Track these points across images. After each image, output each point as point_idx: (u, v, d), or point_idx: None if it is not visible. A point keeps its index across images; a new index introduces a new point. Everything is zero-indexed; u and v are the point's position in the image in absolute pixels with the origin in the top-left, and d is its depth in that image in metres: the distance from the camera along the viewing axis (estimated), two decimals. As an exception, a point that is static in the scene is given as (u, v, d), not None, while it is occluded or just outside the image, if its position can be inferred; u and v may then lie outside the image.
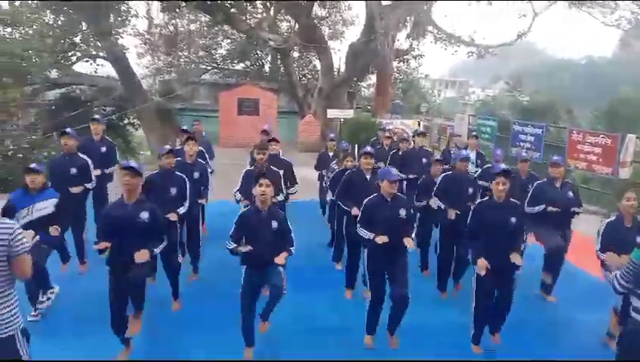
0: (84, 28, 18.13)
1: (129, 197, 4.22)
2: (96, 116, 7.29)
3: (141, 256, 4.08)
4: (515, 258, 4.49)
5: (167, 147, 5.77)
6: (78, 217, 6.14)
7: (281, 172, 6.21)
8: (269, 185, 4.33)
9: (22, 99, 15.68)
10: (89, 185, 6.17)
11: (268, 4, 22.97)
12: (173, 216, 5.24)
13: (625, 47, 38.21)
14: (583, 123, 29.53)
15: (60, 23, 17.99)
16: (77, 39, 18.81)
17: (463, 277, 6.12)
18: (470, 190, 5.95)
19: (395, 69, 25.20)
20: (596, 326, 5.18)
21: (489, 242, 4.59)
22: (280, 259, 4.22)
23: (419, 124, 18.15)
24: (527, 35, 21.27)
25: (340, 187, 6.00)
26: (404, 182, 7.65)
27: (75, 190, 5.85)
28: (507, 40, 22.04)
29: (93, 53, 19.23)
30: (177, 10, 20.16)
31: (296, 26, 22.90)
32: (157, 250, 4.31)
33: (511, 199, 4.71)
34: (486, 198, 4.87)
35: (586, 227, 7.02)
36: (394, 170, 4.69)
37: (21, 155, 14.55)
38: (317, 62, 24.74)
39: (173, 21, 24.03)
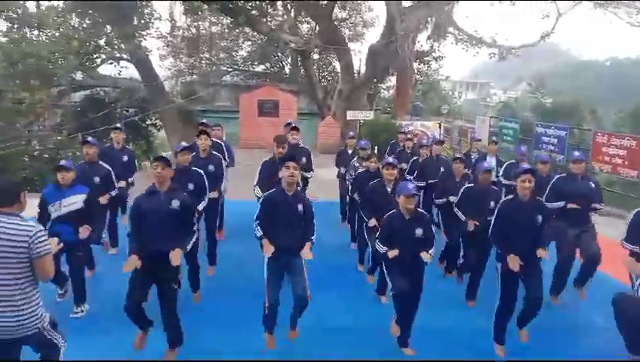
0: (108, 31, 18.46)
1: (161, 185, 4.29)
2: (118, 125, 7.42)
3: (176, 257, 4.07)
4: (541, 253, 4.47)
5: (184, 144, 5.86)
6: (98, 223, 6.17)
7: (303, 159, 6.34)
8: (297, 167, 4.38)
9: (48, 100, 16.05)
10: (113, 193, 6.27)
11: (288, 6, 23.10)
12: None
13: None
14: (608, 124, 29.02)
15: (85, 25, 18.34)
16: (101, 42, 19.15)
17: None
18: (492, 203, 5.74)
19: (416, 71, 25.08)
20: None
21: (514, 241, 4.54)
22: (307, 254, 4.26)
23: (439, 126, 18.03)
24: (550, 36, 20.96)
25: (362, 198, 6.03)
26: (422, 191, 7.59)
27: (102, 200, 5.93)
28: (530, 41, 21.77)
29: (117, 55, 19.57)
30: (199, 12, 20.37)
31: (317, 27, 22.98)
32: (189, 246, 4.34)
33: (536, 198, 4.68)
34: (510, 197, 4.82)
35: (610, 230, 6.91)
36: (410, 185, 4.62)
37: (47, 156, 14.91)
38: (337, 64, 24.76)
39: (196, 23, 24.31)
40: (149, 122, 22.70)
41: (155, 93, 19.60)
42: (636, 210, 4.53)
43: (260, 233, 4.35)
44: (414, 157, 8.21)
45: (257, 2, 20.89)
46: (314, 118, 22.13)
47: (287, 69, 28.86)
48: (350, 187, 7.15)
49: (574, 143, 13.48)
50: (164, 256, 4.07)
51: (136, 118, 20.38)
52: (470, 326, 5.30)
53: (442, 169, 7.46)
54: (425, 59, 25.34)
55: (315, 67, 25.06)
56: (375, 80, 24.04)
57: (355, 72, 21.98)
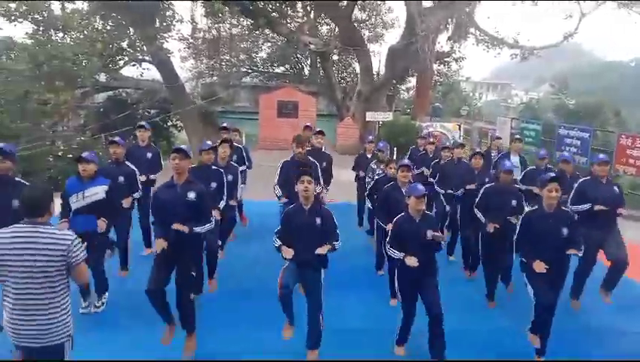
0: (131, 33, 18.75)
1: (178, 178, 4.40)
2: (143, 123, 7.50)
3: (180, 226, 4.20)
4: (572, 250, 4.40)
5: (209, 143, 5.91)
6: (123, 223, 6.24)
7: (324, 164, 6.38)
8: (311, 181, 4.38)
9: (72, 101, 16.38)
10: (136, 195, 6.26)
11: (308, 7, 23.16)
12: (216, 215, 5.34)
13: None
14: (632, 126, 28.43)
15: (108, 28, 18.67)
16: (124, 44, 19.49)
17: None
18: (513, 202, 5.73)
19: (435, 72, 24.93)
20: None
21: (539, 253, 4.40)
22: (322, 249, 4.27)
23: (459, 128, 17.90)
24: (573, 36, 20.63)
25: (378, 203, 5.99)
26: (442, 196, 7.51)
27: (125, 203, 5.97)
28: (553, 41, 21.45)
29: (140, 57, 19.88)
30: (220, 14, 20.56)
31: (337, 29, 23.00)
32: (199, 229, 4.39)
33: (562, 208, 4.52)
34: (535, 208, 4.65)
35: (635, 234, 6.78)
36: (420, 186, 4.59)
37: (71, 156, 15.16)
38: (356, 65, 24.76)
39: (216, 25, 24.53)
40: (169, 123, 23.00)
41: (176, 94, 19.85)
42: None
43: (278, 243, 4.38)
44: (436, 160, 8.10)
45: (277, 4, 21.01)
46: (333, 119, 22.18)
47: (306, 71, 28.98)
48: (368, 192, 7.14)
49: (598, 145, 13.25)
50: (182, 245, 4.26)
51: (157, 118, 20.66)
52: (489, 327, 5.27)
53: (464, 173, 7.37)
54: (445, 60, 25.17)
55: (334, 68, 25.08)
56: (394, 81, 23.98)
57: (374, 73, 21.95)
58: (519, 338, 4.83)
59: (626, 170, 10.44)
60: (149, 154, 7.03)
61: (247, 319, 5.20)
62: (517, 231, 4.65)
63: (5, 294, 3.04)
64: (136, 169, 6.28)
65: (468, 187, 6.37)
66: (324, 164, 6.71)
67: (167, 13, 18.73)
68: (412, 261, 4.32)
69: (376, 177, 6.88)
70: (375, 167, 7.18)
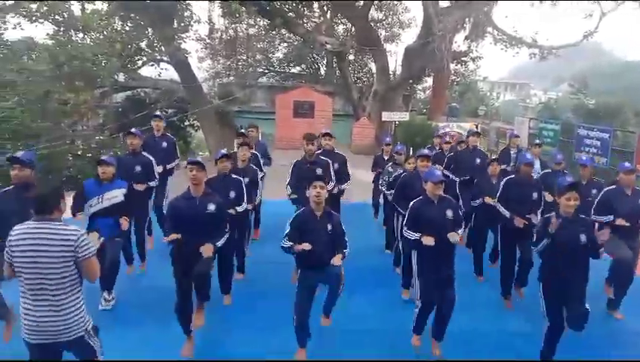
0: (149, 33, 18.95)
1: (196, 190, 4.45)
2: (158, 113, 7.61)
3: (207, 250, 4.26)
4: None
5: (223, 152, 5.85)
6: (141, 215, 6.32)
7: (336, 165, 6.35)
8: (324, 186, 4.37)
9: (92, 101, 16.62)
10: (152, 183, 6.38)
11: (325, 7, 23.18)
12: (231, 211, 5.38)
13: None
14: (654, 127, 27.85)
15: (127, 29, 18.89)
16: (143, 44, 19.70)
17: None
18: (534, 195, 5.68)
19: (452, 72, 24.76)
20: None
21: (557, 260, 4.28)
22: (337, 260, 4.25)
23: (476, 128, 17.75)
24: (593, 36, 20.30)
25: (395, 191, 5.99)
26: (457, 184, 7.50)
27: (138, 187, 6.05)
28: (572, 40, 21.12)
29: (158, 57, 20.08)
30: (237, 15, 20.69)
31: (353, 29, 22.96)
32: (220, 243, 4.47)
33: (580, 215, 4.39)
34: (552, 214, 4.44)
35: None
36: (437, 171, 4.64)
37: (90, 154, 15.41)
38: (372, 65, 24.69)
39: (233, 26, 24.68)
40: (187, 123, 23.19)
41: (194, 94, 20.01)
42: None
43: (288, 244, 4.30)
44: (451, 154, 8.10)
45: (294, 4, 21.06)
46: (349, 119, 22.16)
47: (322, 71, 29.00)
48: (383, 191, 7.13)
49: (618, 146, 13.02)
50: (198, 256, 4.28)
51: (174, 118, 20.86)
52: (504, 328, 5.23)
53: (479, 160, 7.30)
54: (462, 59, 24.97)
55: (350, 68, 25.06)
56: (411, 81, 23.86)
57: (390, 73, 21.87)
58: (530, 340, 4.80)
59: (647, 171, 10.25)
60: (165, 144, 7.13)
61: (262, 320, 5.23)
62: (535, 235, 4.51)
63: (21, 291, 3.11)
64: (153, 159, 6.37)
65: (487, 200, 6.28)
66: (337, 165, 6.67)
67: (185, 14, 18.90)
68: (429, 240, 4.33)
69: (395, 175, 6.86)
70: (392, 170, 7.10)
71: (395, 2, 25.91)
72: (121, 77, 19.50)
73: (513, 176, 5.93)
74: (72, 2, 17.71)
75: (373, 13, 24.58)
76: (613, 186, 5.67)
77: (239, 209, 5.61)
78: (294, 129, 19.33)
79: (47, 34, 16.86)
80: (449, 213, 4.50)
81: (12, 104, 14.25)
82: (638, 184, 6.15)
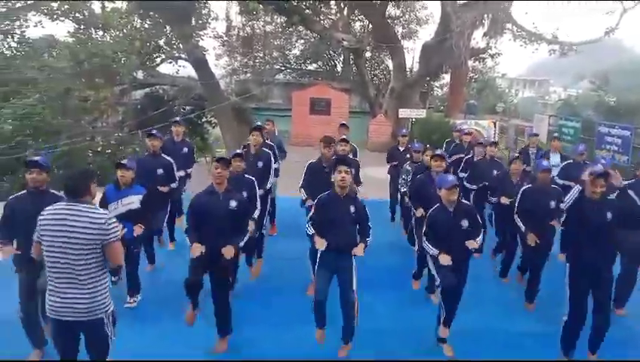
0: (168, 31, 19.11)
1: (219, 186, 4.50)
2: (178, 118, 7.67)
3: (228, 252, 4.27)
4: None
5: (237, 151, 5.89)
6: (160, 214, 6.44)
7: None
8: (348, 171, 4.42)
9: (112, 98, 16.83)
10: (174, 185, 6.44)
11: (342, 4, 23.11)
12: (251, 226, 5.29)
13: None
14: (677, 125, 27.21)
15: (146, 26, 19.08)
16: (161, 42, 19.87)
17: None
18: (552, 203, 5.60)
19: (470, 68, 24.50)
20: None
21: (584, 238, 4.39)
22: (359, 251, 4.29)
23: (494, 125, 17.56)
24: (614, 32, 19.91)
25: (411, 192, 5.98)
26: (472, 194, 7.43)
27: (163, 189, 6.16)
28: (592, 37, 20.73)
29: (176, 55, 20.24)
30: (254, 12, 20.75)
31: (370, 25, 22.86)
32: (241, 244, 4.51)
33: (607, 197, 4.50)
34: (578, 196, 4.61)
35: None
36: (450, 177, 4.57)
37: (109, 151, 15.63)
38: (389, 62, 24.55)
39: (250, 23, 24.76)
40: (204, 120, 23.34)
41: (211, 91, 20.12)
42: None
43: (311, 231, 4.45)
44: (468, 156, 8.01)
45: (311, 2, 21.03)
46: (365, 117, 22.09)
47: (339, 68, 28.95)
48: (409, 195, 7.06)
49: (639, 144, 12.77)
50: (219, 252, 4.28)
51: (192, 115, 21.01)
52: (522, 330, 5.18)
53: (495, 172, 7.21)
54: (480, 56, 24.70)
55: (367, 65, 24.96)
56: (428, 78, 23.68)
57: (407, 69, 21.73)
58: (541, 341, 4.80)
59: (669, 170, 10.04)
60: (185, 149, 7.20)
61: (277, 315, 5.27)
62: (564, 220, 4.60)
63: (48, 269, 3.19)
64: (172, 161, 6.42)
65: (503, 201, 6.23)
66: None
67: (203, 12, 19.01)
68: (445, 259, 4.30)
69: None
70: (410, 168, 7.06)
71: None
72: (139, 74, 19.71)
73: (530, 185, 5.87)
74: (92, 0, 17.98)
75: (391, 9, 24.44)
76: (633, 180, 5.62)
77: (255, 215, 5.49)
78: (311, 126, 19.37)
79: (68, 32, 17.12)
80: (464, 224, 4.45)
81: (33, 101, 14.51)
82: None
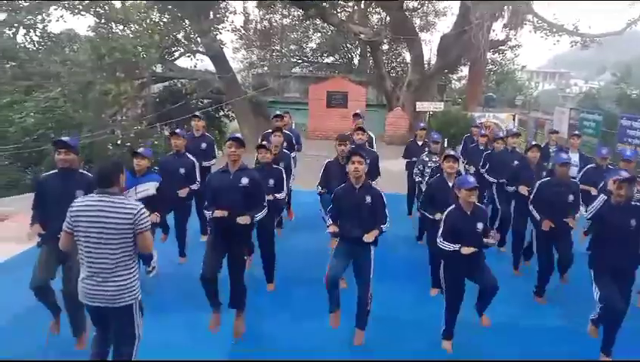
0: (186, 25, 19.25)
1: (233, 165, 4.59)
2: (198, 113, 7.70)
3: (244, 219, 4.40)
4: None
5: (263, 143, 5.94)
6: (182, 214, 6.48)
7: (367, 161, 6.30)
8: (361, 161, 4.45)
9: (132, 91, 17.04)
10: (194, 187, 6.34)
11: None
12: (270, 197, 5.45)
13: None
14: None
15: (165, 21, 19.25)
16: (180, 36, 20.03)
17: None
18: (571, 197, 5.50)
19: (489, 61, 24.22)
20: None
21: (607, 245, 4.37)
22: (369, 237, 4.32)
23: (513, 118, 17.36)
24: (637, 24, 19.49)
25: (423, 198, 5.87)
26: (494, 186, 7.28)
27: (182, 193, 6.14)
28: (615, 28, 20.32)
29: (194, 48, 20.39)
30: (272, 6, 20.79)
31: (387, 18, 22.72)
32: (258, 216, 4.58)
33: (632, 203, 4.42)
34: (603, 200, 4.48)
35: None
36: (471, 178, 4.51)
37: (129, 144, 15.87)
38: (406, 55, 24.41)
39: (268, 16, 24.79)
40: (221, 113, 23.52)
41: (229, 84, 20.27)
42: None
43: (329, 222, 4.53)
44: (488, 150, 7.89)
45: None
46: (382, 110, 22.02)
47: (356, 61, 28.86)
48: (418, 178, 7.06)
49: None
50: (235, 229, 4.42)
51: (210, 108, 21.19)
52: (538, 324, 5.17)
53: (517, 163, 6.99)
54: (500, 48, 24.39)
55: (384, 58, 24.83)
56: (446, 70, 23.48)
57: (425, 62, 21.57)
58: (569, 337, 4.77)
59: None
60: (204, 145, 7.19)
61: (293, 307, 5.33)
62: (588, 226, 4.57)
63: (80, 258, 3.34)
64: (195, 161, 6.40)
65: (521, 189, 6.15)
66: (368, 161, 6.64)
67: (221, 5, 19.11)
68: (468, 250, 4.26)
69: (428, 170, 6.77)
70: (427, 159, 6.96)
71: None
72: (158, 68, 19.91)
73: (548, 178, 5.78)
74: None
75: (408, 1, 24.25)
76: None
77: (279, 196, 5.72)
78: (328, 119, 19.39)
79: (89, 26, 17.36)
80: (479, 226, 4.41)
81: (55, 94, 14.79)
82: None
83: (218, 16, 18.99)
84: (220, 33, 19.50)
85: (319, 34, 28.29)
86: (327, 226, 4.53)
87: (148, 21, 17.89)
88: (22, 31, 17.64)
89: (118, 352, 3.48)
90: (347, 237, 4.45)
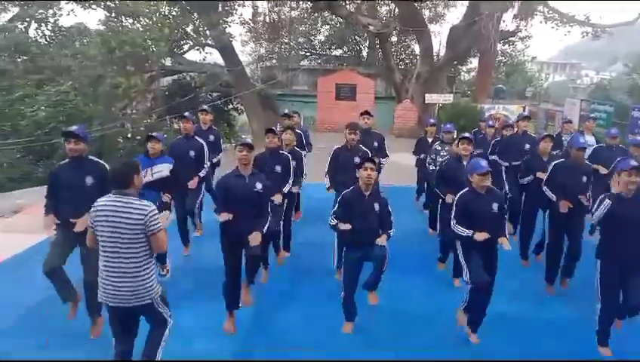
0: (195, 18, 19.27)
1: (244, 169, 4.62)
2: (205, 107, 7.75)
3: (255, 239, 4.40)
4: None
5: (274, 128, 6.04)
6: (192, 200, 6.46)
7: (375, 144, 6.42)
8: (374, 168, 4.47)
9: (142, 85, 17.13)
10: (202, 174, 6.41)
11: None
12: (278, 198, 5.50)
13: None
14: None
15: (174, 14, 19.29)
16: (189, 29, 20.07)
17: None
18: (584, 178, 5.49)
19: (499, 52, 24.02)
20: None
21: (616, 238, 4.27)
22: (382, 240, 4.37)
23: (523, 110, 17.25)
24: (650, 14, 19.24)
25: (437, 177, 5.94)
26: (504, 169, 7.18)
27: (192, 184, 6.21)
28: (627, 19, 20.06)
29: (203, 41, 20.43)
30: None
31: (396, 9, 22.59)
32: (265, 228, 4.59)
33: None
34: (611, 192, 4.40)
35: None
36: (483, 162, 4.45)
37: (139, 137, 15.97)
38: (415, 47, 24.27)
39: (276, 9, 24.75)
40: (230, 106, 23.57)
41: (237, 77, 20.30)
42: None
43: (334, 222, 4.52)
44: (496, 138, 7.78)
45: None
46: (391, 102, 21.96)
47: (364, 53, 28.74)
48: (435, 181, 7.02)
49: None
50: (247, 234, 4.42)
51: (219, 101, 21.24)
52: (549, 315, 5.18)
53: (528, 146, 6.93)
54: (510, 39, 24.16)
55: (393, 50, 24.71)
56: (455, 62, 23.32)
57: (434, 54, 21.44)
58: (580, 327, 4.74)
59: None
60: (212, 137, 7.24)
61: (304, 300, 5.36)
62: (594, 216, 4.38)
63: (100, 258, 3.41)
64: (204, 143, 6.48)
65: (539, 174, 6.05)
66: (376, 143, 6.67)
67: (231, -2, 19.10)
68: (481, 236, 4.25)
69: (440, 159, 6.71)
70: (440, 148, 6.92)
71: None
72: (167, 61, 19.98)
73: (563, 159, 5.72)
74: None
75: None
76: None
77: (284, 190, 5.71)
78: (336, 112, 19.37)
79: (100, 20, 17.45)
80: (495, 207, 4.39)
81: (66, 88, 14.90)
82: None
83: (227, 8, 18.98)
84: (229, 26, 19.53)
85: (328, 26, 28.17)
86: (334, 225, 4.51)
87: (157, 14, 17.94)
88: (33, 25, 17.81)
89: (150, 335, 3.61)
90: (357, 242, 4.47)
